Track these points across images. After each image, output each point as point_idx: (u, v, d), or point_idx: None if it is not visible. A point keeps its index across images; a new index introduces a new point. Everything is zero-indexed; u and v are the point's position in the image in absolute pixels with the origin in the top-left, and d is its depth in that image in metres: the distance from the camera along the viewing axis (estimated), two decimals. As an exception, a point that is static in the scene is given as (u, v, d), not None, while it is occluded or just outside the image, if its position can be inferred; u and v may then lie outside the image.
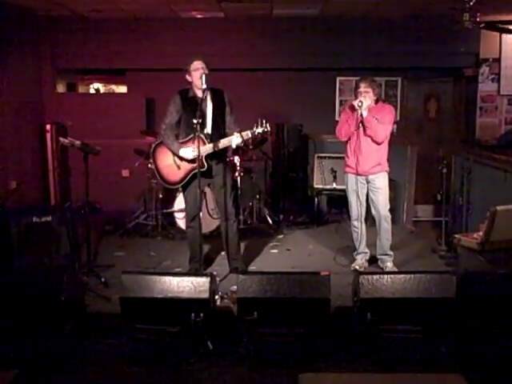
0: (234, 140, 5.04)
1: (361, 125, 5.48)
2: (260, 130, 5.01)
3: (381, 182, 5.61)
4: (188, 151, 5.16)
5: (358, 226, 5.73)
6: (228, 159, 5.64)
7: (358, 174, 5.59)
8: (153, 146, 5.51)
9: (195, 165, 5.00)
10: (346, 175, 5.79)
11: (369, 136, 5.50)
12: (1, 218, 5.41)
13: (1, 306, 4.13)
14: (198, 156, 4.89)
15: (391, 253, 5.73)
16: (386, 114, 5.54)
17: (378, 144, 5.54)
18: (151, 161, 5.55)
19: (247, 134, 5.03)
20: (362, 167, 5.55)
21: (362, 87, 5.47)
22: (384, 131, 5.50)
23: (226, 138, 5.10)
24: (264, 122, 5.01)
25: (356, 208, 5.70)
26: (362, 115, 5.40)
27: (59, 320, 4.14)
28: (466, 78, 8.66)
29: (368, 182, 5.64)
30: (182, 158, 5.24)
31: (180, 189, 6.09)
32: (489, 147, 7.44)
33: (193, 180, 5.24)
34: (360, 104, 5.39)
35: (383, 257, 5.72)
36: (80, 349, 4.13)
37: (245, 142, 5.22)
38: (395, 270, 5.57)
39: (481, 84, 8.44)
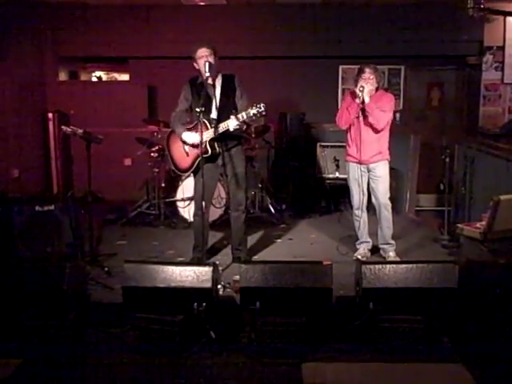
0: (231, 123, 5.02)
1: (361, 113, 5.46)
2: (254, 110, 4.96)
3: (381, 171, 5.60)
4: (190, 135, 5.17)
5: (360, 215, 5.73)
6: (241, 145, 5.58)
7: (359, 162, 5.58)
8: (168, 133, 5.56)
9: (199, 151, 5.02)
10: (347, 164, 5.78)
11: (369, 124, 5.48)
12: (3, 207, 5.42)
13: (3, 295, 4.15)
14: (204, 143, 4.90)
15: (393, 242, 5.72)
16: (385, 102, 5.51)
17: (378, 132, 5.51)
18: (166, 149, 5.54)
19: (242, 115, 5.00)
20: (363, 156, 5.54)
21: (367, 72, 5.43)
22: (384, 118, 5.47)
23: (224, 122, 5.08)
24: (260, 103, 4.97)
25: (358, 197, 5.68)
26: (363, 101, 5.37)
27: (62, 309, 4.14)
28: (470, 66, 8.61)
29: (369, 171, 5.63)
30: (185, 143, 5.26)
31: (182, 177, 6.11)
32: (492, 136, 7.40)
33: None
34: (362, 89, 5.34)
35: (385, 246, 5.71)
36: (82, 338, 4.14)
37: (245, 123, 5.21)
38: (397, 259, 5.57)
39: (484, 72, 8.39)
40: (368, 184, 5.69)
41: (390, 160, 5.66)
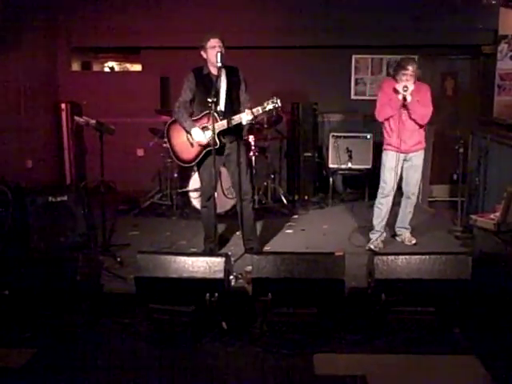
0: (244, 117, 5.01)
1: (403, 108, 5.47)
2: (271, 105, 4.98)
3: (419, 160, 5.72)
4: (199, 133, 5.13)
5: (385, 203, 5.75)
6: (242, 137, 5.59)
7: (399, 151, 5.59)
8: (167, 124, 5.50)
9: (208, 142, 5.06)
10: (384, 153, 5.77)
11: (412, 119, 5.52)
12: (17, 197, 5.45)
13: (18, 285, 4.18)
14: (214, 135, 4.88)
15: (409, 227, 5.94)
16: (424, 94, 5.55)
17: (421, 126, 5.59)
18: (166, 139, 5.52)
19: (258, 110, 5.00)
20: (405, 145, 5.56)
21: (411, 70, 5.44)
22: (428, 114, 5.55)
23: (238, 115, 5.06)
24: (275, 98, 4.97)
25: (392, 184, 5.67)
26: (405, 99, 5.38)
27: (75, 299, 4.17)
28: (484, 55, 8.51)
29: (406, 160, 5.69)
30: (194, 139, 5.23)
31: (195, 168, 6.11)
32: (506, 126, 7.32)
33: (206, 158, 5.23)
34: (406, 89, 5.36)
35: (402, 229, 5.93)
36: (96, 328, 4.17)
37: (256, 118, 5.20)
38: (414, 240, 5.87)
39: (499, 61, 8.28)
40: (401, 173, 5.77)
41: (425, 148, 5.78)
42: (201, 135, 5.12)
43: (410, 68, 5.44)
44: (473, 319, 4.10)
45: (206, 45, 5.12)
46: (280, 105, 5.00)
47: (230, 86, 5.23)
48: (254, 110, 4.99)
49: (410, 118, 5.51)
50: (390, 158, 5.69)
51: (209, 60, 5.15)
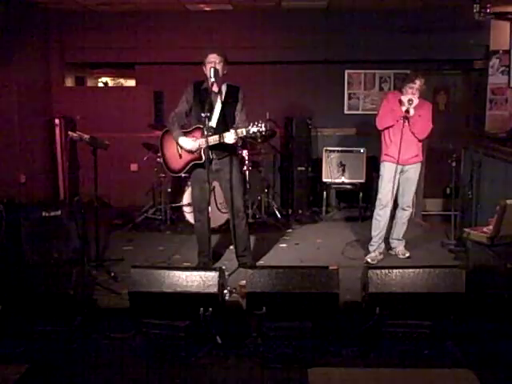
0: (228, 136, 5.01)
1: (404, 119, 5.52)
2: (255, 129, 4.94)
3: (416, 172, 5.79)
4: (187, 141, 5.16)
5: (383, 215, 5.79)
6: (236, 154, 5.60)
7: (396, 162, 5.62)
8: (162, 132, 5.55)
9: (194, 156, 5.15)
10: (382, 164, 5.82)
11: (411, 132, 5.58)
12: (11, 212, 5.43)
13: (11, 299, 4.16)
14: (201, 150, 4.94)
15: (403, 239, 5.98)
16: (426, 110, 5.65)
17: (420, 141, 5.68)
18: (159, 147, 5.55)
19: (242, 131, 4.98)
20: (403, 157, 5.58)
21: (418, 84, 5.52)
22: (427, 129, 5.66)
23: (222, 134, 5.05)
24: (260, 122, 4.94)
25: (389, 196, 5.72)
26: (408, 112, 5.44)
27: (68, 314, 4.15)
28: (476, 70, 8.58)
29: (402, 172, 5.73)
30: (181, 147, 5.25)
31: (189, 183, 6.09)
32: (499, 140, 7.37)
33: (192, 170, 5.28)
34: (411, 102, 5.45)
35: (396, 241, 5.97)
36: (89, 343, 4.15)
37: (241, 139, 5.25)
38: (407, 254, 5.94)
39: (491, 76, 8.36)
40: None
41: (422, 161, 5.85)
42: (188, 143, 5.15)
43: (418, 82, 5.52)
44: (467, 332, 4.10)
45: (204, 60, 5.14)
46: (264, 129, 4.96)
47: (226, 103, 5.21)
48: (239, 130, 4.99)
49: (410, 131, 5.55)
50: (387, 169, 5.72)
51: (207, 75, 5.18)
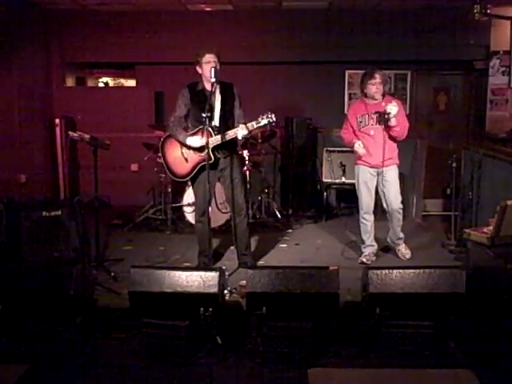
0: (240, 132, 5.03)
1: (379, 124, 5.50)
2: (265, 120, 5.00)
3: (392, 175, 5.64)
4: (195, 140, 5.15)
5: (368, 218, 5.76)
6: (237, 153, 5.61)
7: (370, 166, 5.59)
8: (161, 139, 5.51)
9: (202, 157, 5.07)
10: (357, 167, 5.78)
11: (392, 137, 5.53)
12: (11, 212, 5.43)
13: (11, 299, 4.16)
14: (208, 150, 4.88)
15: (402, 235, 5.87)
16: (398, 109, 5.49)
17: (396, 141, 5.61)
18: (160, 154, 5.52)
19: (252, 124, 5.01)
20: (375, 160, 5.55)
21: (378, 78, 5.45)
22: (406, 128, 5.55)
23: (232, 130, 5.08)
24: (270, 113, 4.99)
25: (367, 200, 5.72)
26: (390, 121, 5.38)
27: (69, 314, 4.15)
28: (477, 70, 8.59)
29: (378, 175, 5.65)
30: (189, 148, 5.23)
31: (189, 183, 6.10)
32: (499, 140, 7.38)
33: (200, 173, 5.24)
34: (389, 115, 5.34)
35: (397, 241, 5.86)
36: (89, 343, 4.15)
37: (251, 133, 5.22)
38: (408, 255, 5.82)
39: (491, 77, 8.37)
40: (376, 188, 5.70)
41: (398, 165, 5.71)
42: (198, 141, 5.12)
43: (377, 76, 5.45)
44: (467, 333, 4.10)
45: (201, 60, 5.13)
46: (275, 120, 5.02)
47: (224, 101, 5.24)
48: (249, 124, 5.01)
49: (389, 136, 5.51)
50: (361, 173, 5.72)
51: (203, 75, 5.16)
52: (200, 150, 5.15)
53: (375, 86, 5.46)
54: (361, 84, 5.64)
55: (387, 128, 5.47)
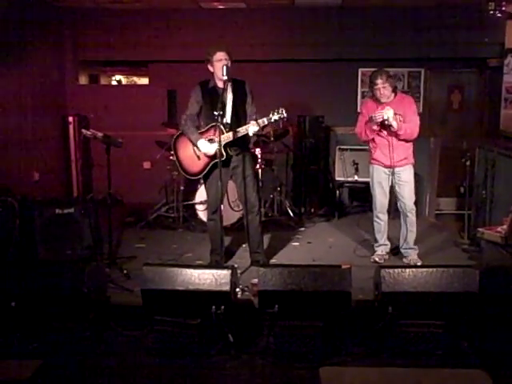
0: (251, 128, 5.03)
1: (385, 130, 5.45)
2: (276, 116, 5.00)
3: (407, 175, 5.58)
4: (206, 145, 5.16)
5: (382, 218, 5.73)
6: (249, 150, 5.61)
7: (384, 166, 5.56)
8: (174, 137, 5.52)
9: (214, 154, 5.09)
10: (371, 167, 5.75)
11: (402, 140, 5.45)
12: (24, 209, 5.47)
13: (25, 297, 4.18)
14: (220, 147, 4.89)
15: (415, 247, 5.71)
16: (407, 106, 5.46)
17: (410, 141, 5.51)
18: (172, 152, 5.54)
19: (263, 121, 5.02)
20: (389, 160, 5.51)
21: (380, 84, 5.36)
22: (415, 128, 5.43)
23: (243, 127, 5.09)
24: (281, 109, 4.99)
25: (381, 199, 5.68)
26: (391, 126, 5.32)
27: (82, 311, 4.17)
28: (491, 68, 8.52)
29: (393, 175, 5.59)
30: (200, 150, 5.24)
31: (201, 181, 6.12)
32: (513, 139, 7.32)
33: (213, 170, 5.24)
34: (387, 122, 5.28)
35: (408, 250, 5.68)
36: (102, 340, 4.17)
37: (262, 129, 5.22)
38: (420, 262, 5.54)
39: (506, 75, 8.27)
40: (391, 188, 5.67)
41: (414, 164, 5.64)
42: (207, 146, 5.14)
43: (379, 81, 5.36)
44: (480, 333, 4.07)
45: (212, 58, 5.14)
46: (286, 115, 5.02)
47: (236, 98, 5.24)
48: (260, 121, 5.01)
49: (399, 139, 5.44)
50: (375, 172, 5.69)
51: (215, 73, 5.17)
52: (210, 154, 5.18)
53: (378, 91, 5.40)
54: (369, 84, 5.60)
55: (391, 133, 5.43)
